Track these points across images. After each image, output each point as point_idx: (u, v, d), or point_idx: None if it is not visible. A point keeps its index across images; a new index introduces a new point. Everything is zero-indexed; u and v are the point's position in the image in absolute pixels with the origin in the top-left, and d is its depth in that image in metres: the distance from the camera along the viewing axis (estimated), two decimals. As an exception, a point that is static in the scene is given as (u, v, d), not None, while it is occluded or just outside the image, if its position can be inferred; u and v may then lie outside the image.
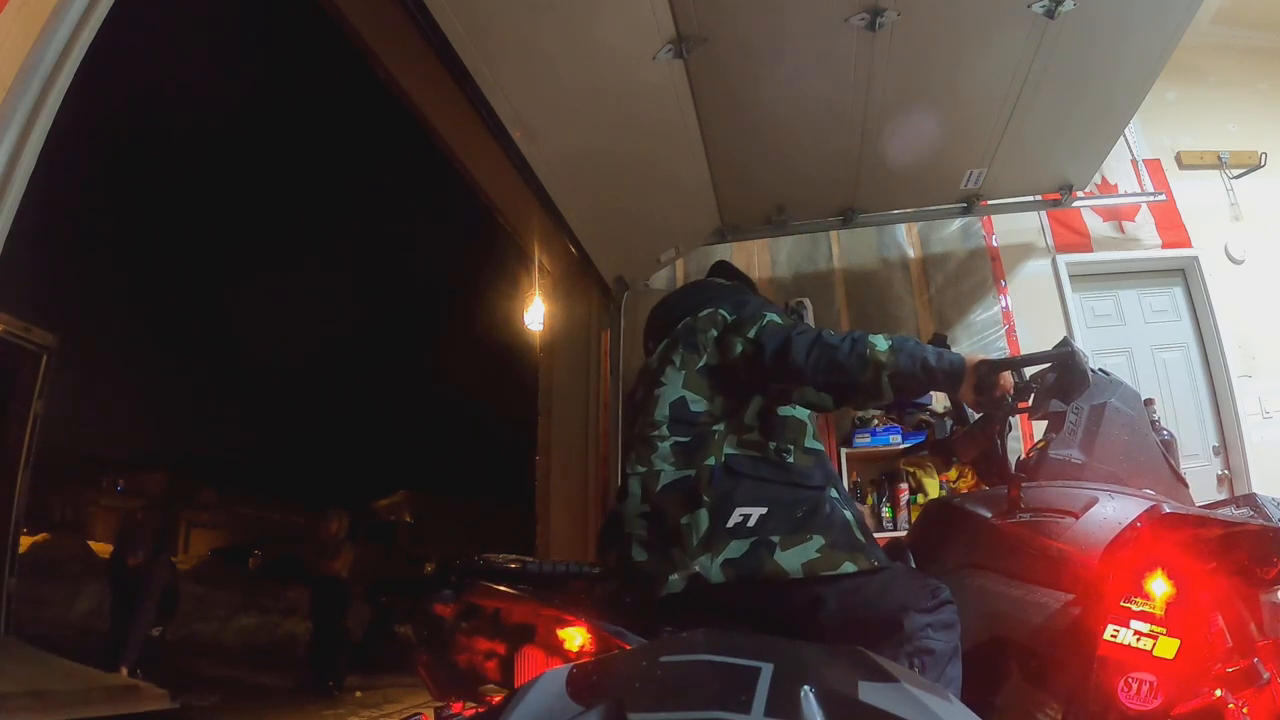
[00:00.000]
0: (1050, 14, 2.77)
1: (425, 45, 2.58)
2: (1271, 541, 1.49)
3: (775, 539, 1.48)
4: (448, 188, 3.97)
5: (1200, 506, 1.66)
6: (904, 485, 3.97)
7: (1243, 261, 4.37)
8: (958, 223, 4.48)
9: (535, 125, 3.00)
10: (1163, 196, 4.36)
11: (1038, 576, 1.53)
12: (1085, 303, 4.44)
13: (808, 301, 4.43)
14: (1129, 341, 4.43)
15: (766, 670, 0.71)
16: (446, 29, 2.47)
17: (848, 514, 1.57)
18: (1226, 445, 4.22)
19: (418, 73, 3.11)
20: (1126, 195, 4.45)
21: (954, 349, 4.52)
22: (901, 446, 3.96)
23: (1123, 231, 4.48)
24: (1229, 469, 4.19)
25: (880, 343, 1.53)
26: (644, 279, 4.59)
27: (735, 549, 1.48)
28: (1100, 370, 1.80)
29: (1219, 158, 4.54)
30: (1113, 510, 1.56)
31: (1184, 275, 4.46)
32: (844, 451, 3.96)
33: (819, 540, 1.49)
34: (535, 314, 4.69)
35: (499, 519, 15.73)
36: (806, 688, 0.68)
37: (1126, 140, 4.27)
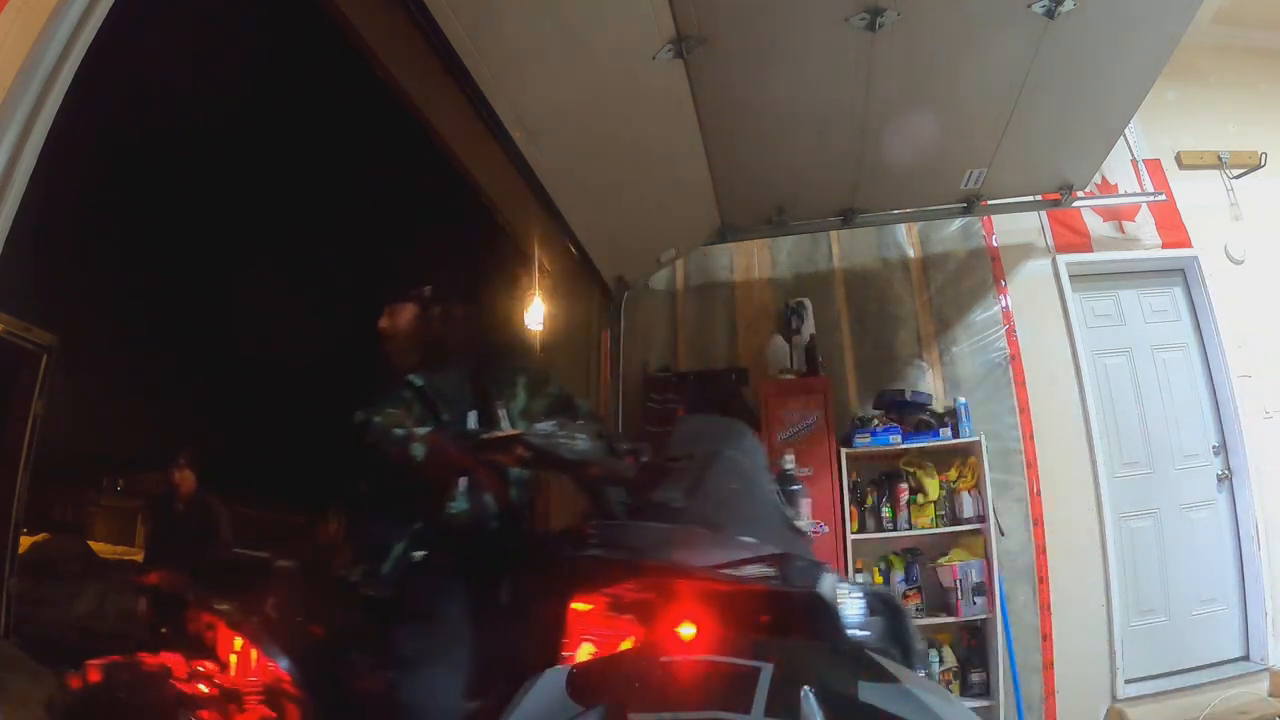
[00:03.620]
0: (1050, 14, 2.77)
1: (425, 45, 2.58)
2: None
3: None
4: (448, 188, 3.97)
5: (734, 558, 1.55)
6: (904, 485, 3.97)
7: (1243, 261, 4.37)
8: (958, 223, 4.47)
9: (535, 125, 3.00)
10: (1163, 196, 4.36)
11: (613, 605, 1.54)
12: (1085, 303, 4.44)
13: (807, 301, 4.45)
14: (1129, 341, 4.43)
15: (766, 670, 0.71)
16: (446, 29, 2.47)
17: None
18: (1227, 445, 4.22)
19: (418, 73, 3.11)
20: (1126, 195, 4.45)
21: (954, 349, 4.57)
22: (901, 446, 3.96)
23: (1123, 231, 4.48)
24: (1229, 469, 4.19)
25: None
26: (644, 279, 4.59)
27: None
28: (735, 420, 1.88)
29: (1219, 158, 4.53)
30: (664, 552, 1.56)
31: (1184, 275, 4.45)
32: (844, 451, 3.96)
33: None
34: (535, 314, 4.69)
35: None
36: (806, 688, 0.68)
37: (1126, 140, 4.26)
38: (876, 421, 4.02)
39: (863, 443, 3.99)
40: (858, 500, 3.96)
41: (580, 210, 3.65)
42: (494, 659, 1.65)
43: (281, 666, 1.89)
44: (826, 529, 3.87)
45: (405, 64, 3.08)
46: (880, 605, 1.58)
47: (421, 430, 1.78)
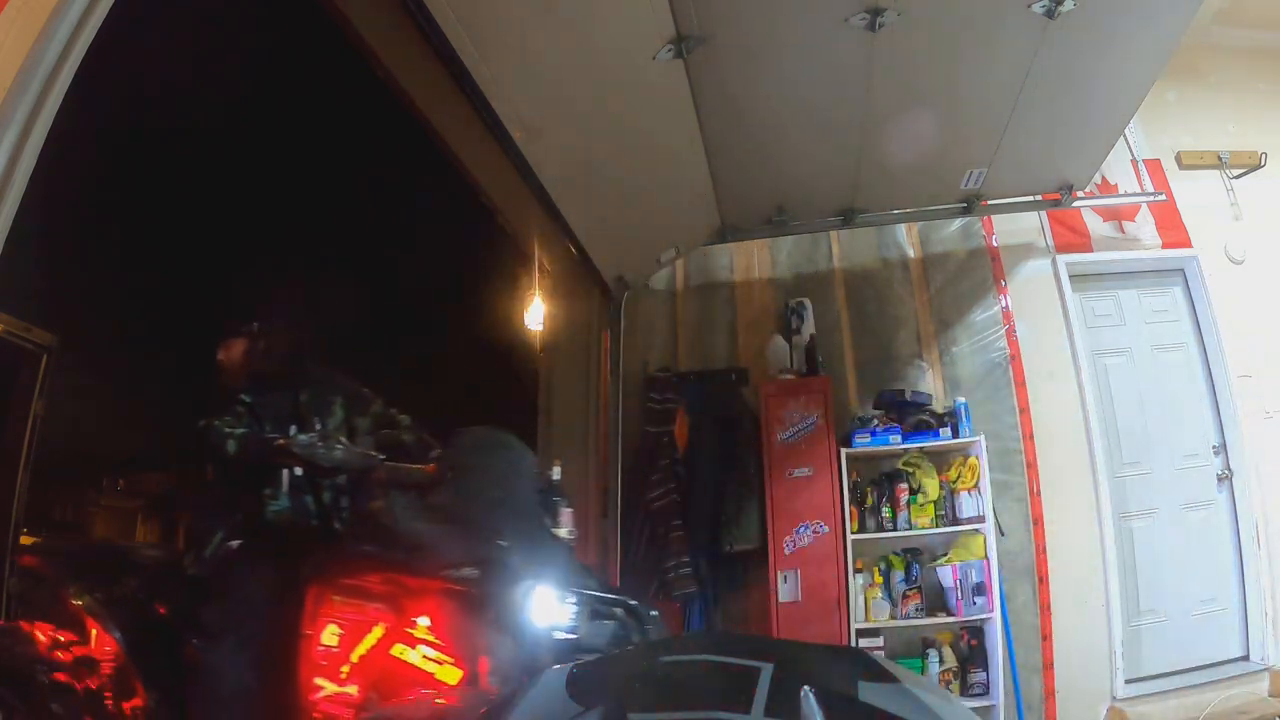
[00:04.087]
0: (1050, 14, 2.77)
1: (425, 45, 2.58)
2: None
3: None
4: (448, 188, 3.97)
5: (458, 562, 1.80)
6: (904, 485, 3.97)
7: (1243, 261, 4.37)
8: (958, 223, 4.47)
9: (535, 125, 3.00)
10: (1163, 196, 4.36)
11: (358, 594, 1.80)
12: (1085, 303, 4.44)
13: (807, 301, 4.45)
14: (1129, 341, 4.43)
15: (766, 670, 0.71)
16: (446, 29, 2.47)
17: None
18: (1227, 445, 4.22)
19: (418, 73, 3.11)
20: (1126, 195, 4.45)
21: (954, 349, 4.68)
22: (901, 446, 3.96)
23: (1123, 231, 4.48)
24: (1229, 469, 4.19)
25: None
26: (644, 279, 4.59)
27: None
28: (508, 434, 2.13)
29: (1219, 158, 4.53)
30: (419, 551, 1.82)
31: (1184, 275, 4.46)
32: (844, 451, 3.96)
33: None
34: (535, 314, 4.68)
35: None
36: (806, 688, 0.68)
37: (1126, 140, 4.26)
38: (876, 421, 4.02)
39: (863, 443, 3.99)
40: (858, 500, 3.96)
41: (580, 210, 3.65)
42: (265, 633, 1.93)
43: (116, 639, 2.21)
44: (827, 529, 3.87)
45: (405, 64, 3.08)
46: (612, 613, 1.86)
47: (238, 432, 2.17)
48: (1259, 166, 4.47)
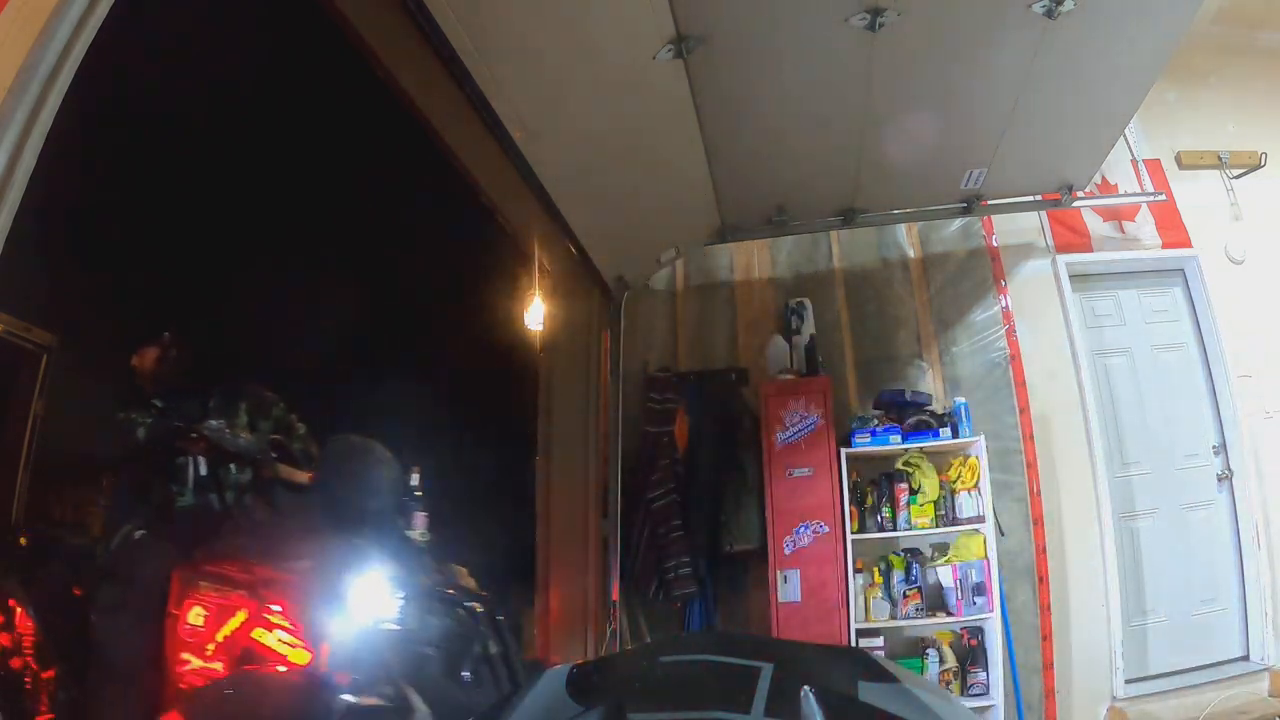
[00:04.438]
0: (1050, 14, 2.76)
1: (425, 45, 2.58)
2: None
3: None
4: (448, 188, 3.97)
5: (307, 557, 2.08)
6: (903, 485, 3.97)
7: (1242, 261, 4.37)
8: (958, 223, 4.47)
9: (535, 125, 3.00)
10: (1163, 196, 4.36)
11: (221, 581, 2.02)
12: (1085, 303, 4.44)
13: (807, 301, 4.45)
14: (1129, 341, 4.43)
15: (766, 670, 0.71)
16: (446, 29, 2.47)
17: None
18: (1227, 445, 4.22)
19: (418, 73, 3.11)
20: (1126, 195, 4.45)
21: (954, 349, 4.73)
22: (901, 446, 3.96)
23: (1123, 231, 4.48)
24: (1229, 468, 4.19)
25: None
26: (644, 279, 4.59)
27: None
28: (372, 442, 2.35)
29: (1219, 158, 4.53)
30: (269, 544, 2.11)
31: (1184, 275, 4.46)
32: (844, 451, 3.96)
33: None
34: (535, 314, 4.68)
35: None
36: (806, 688, 0.68)
37: (1126, 140, 4.26)
38: (876, 421, 4.02)
39: (863, 443, 3.99)
40: (858, 500, 3.96)
41: (580, 210, 3.65)
42: (148, 614, 2.13)
43: (33, 617, 2.44)
44: (827, 529, 3.87)
45: (405, 64, 3.07)
46: (446, 610, 2.09)
47: (148, 421, 2.46)
48: (1259, 166, 4.47)
